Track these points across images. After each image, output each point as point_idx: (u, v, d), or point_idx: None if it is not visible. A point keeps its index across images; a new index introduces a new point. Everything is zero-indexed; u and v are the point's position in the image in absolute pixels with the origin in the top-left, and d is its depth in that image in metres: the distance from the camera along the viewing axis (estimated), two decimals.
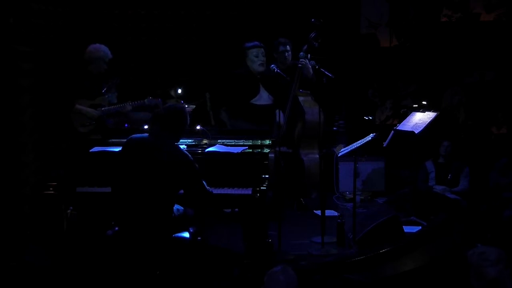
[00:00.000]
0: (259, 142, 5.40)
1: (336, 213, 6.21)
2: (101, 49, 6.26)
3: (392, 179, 7.24)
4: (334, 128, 7.59)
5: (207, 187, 4.55)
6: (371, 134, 5.55)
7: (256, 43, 6.49)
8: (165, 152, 4.40)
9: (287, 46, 6.62)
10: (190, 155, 4.47)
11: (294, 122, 6.52)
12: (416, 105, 7.30)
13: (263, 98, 6.52)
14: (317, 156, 6.06)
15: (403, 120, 6.74)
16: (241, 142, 5.41)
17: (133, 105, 6.25)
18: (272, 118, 6.26)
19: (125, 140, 5.17)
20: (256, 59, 6.42)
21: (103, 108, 6.20)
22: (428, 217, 6.21)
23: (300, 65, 6.35)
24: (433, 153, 6.93)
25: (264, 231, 5.21)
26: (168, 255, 4.42)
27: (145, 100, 6.21)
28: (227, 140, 5.44)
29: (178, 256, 4.48)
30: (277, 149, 5.37)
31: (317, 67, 5.83)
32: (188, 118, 4.53)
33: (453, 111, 8.04)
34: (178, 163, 4.41)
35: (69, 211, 5.73)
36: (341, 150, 6.02)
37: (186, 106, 6.04)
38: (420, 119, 6.50)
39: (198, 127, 5.45)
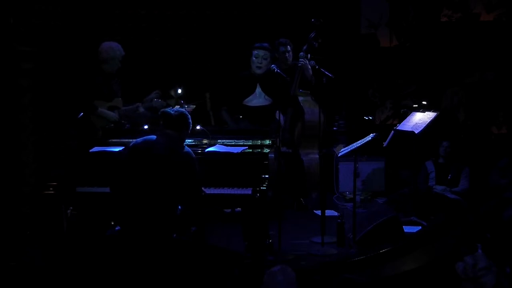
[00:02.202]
0: (259, 142, 5.41)
1: (336, 213, 6.22)
2: (116, 47, 6.14)
3: (392, 179, 7.24)
4: (334, 128, 7.59)
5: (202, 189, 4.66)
6: (371, 134, 5.55)
7: (264, 44, 6.41)
8: (178, 153, 4.53)
9: (288, 47, 6.62)
10: (194, 156, 4.60)
11: (294, 122, 6.51)
12: (416, 105, 7.29)
13: (259, 99, 6.48)
14: (317, 156, 6.06)
15: (403, 120, 6.74)
16: (241, 142, 5.42)
17: (144, 106, 6.22)
18: (268, 118, 6.25)
19: (125, 140, 5.21)
20: (255, 60, 6.37)
21: (120, 110, 6.17)
22: (428, 217, 6.21)
23: (300, 64, 6.35)
24: (433, 153, 6.92)
25: (264, 231, 5.22)
26: (170, 255, 4.44)
27: (153, 101, 6.21)
28: (227, 140, 5.44)
29: (178, 256, 4.49)
30: (277, 147, 5.37)
31: (317, 67, 5.83)
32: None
33: (453, 111, 8.03)
34: (185, 163, 4.52)
35: (69, 211, 5.73)
36: (341, 150, 6.02)
37: (186, 106, 6.07)
38: (420, 119, 6.50)
39: (198, 127, 5.45)
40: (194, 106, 6.37)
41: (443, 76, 8.03)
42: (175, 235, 4.53)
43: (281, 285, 3.59)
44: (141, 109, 6.23)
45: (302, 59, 6.34)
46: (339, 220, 5.60)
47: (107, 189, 4.85)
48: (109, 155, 5.19)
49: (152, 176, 4.45)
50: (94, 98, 6.02)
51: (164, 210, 4.47)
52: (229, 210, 6.02)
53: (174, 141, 4.57)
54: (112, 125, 6.04)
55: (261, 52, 6.34)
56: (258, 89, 6.42)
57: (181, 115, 4.63)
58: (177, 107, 6.28)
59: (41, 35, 7.00)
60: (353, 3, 8.13)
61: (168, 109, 4.73)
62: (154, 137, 4.59)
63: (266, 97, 6.40)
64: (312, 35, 6.34)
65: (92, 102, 6.00)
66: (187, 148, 4.64)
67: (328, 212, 5.92)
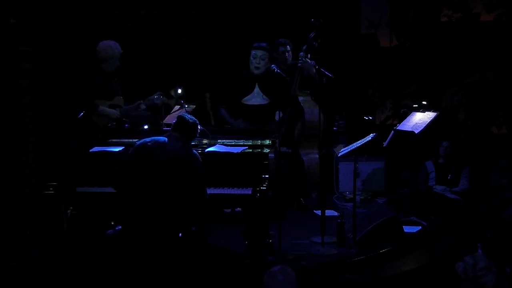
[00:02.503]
0: (259, 142, 5.41)
1: (336, 213, 6.21)
2: (113, 46, 6.14)
3: (392, 179, 7.24)
4: (334, 128, 7.59)
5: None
6: (371, 134, 5.55)
7: (262, 44, 6.44)
8: (186, 156, 4.58)
9: (287, 47, 6.62)
10: (201, 159, 4.64)
11: (293, 122, 6.52)
12: (416, 105, 7.29)
13: (257, 98, 6.50)
14: (317, 156, 6.06)
15: (403, 120, 6.74)
16: (241, 142, 5.43)
17: (146, 103, 6.24)
18: (265, 117, 6.28)
19: (125, 140, 5.21)
20: (253, 60, 6.40)
21: (122, 108, 6.17)
22: (428, 217, 6.21)
23: (299, 64, 6.35)
24: (433, 153, 6.92)
25: (264, 231, 5.22)
26: (170, 255, 4.44)
27: (154, 98, 6.23)
28: (227, 140, 5.45)
29: (179, 256, 4.49)
30: (277, 148, 5.37)
31: (317, 67, 5.83)
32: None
33: (453, 111, 8.03)
34: (192, 166, 4.56)
35: (69, 211, 5.73)
36: (341, 150, 6.02)
37: (186, 106, 6.08)
38: (420, 119, 6.50)
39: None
40: (194, 106, 6.39)
41: (443, 76, 8.03)
42: (179, 235, 4.55)
43: (281, 285, 3.59)
44: (143, 106, 6.24)
45: (302, 59, 6.34)
46: (339, 220, 5.60)
47: (107, 189, 4.86)
48: (109, 155, 5.19)
49: (158, 176, 4.47)
50: (94, 97, 6.03)
51: (168, 211, 4.48)
52: (229, 210, 6.02)
53: (183, 144, 4.61)
54: (115, 123, 6.05)
55: (259, 53, 6.37)
56: (257, 89, 6.45)
57: (195, 124, 4.73)
58: (177, 107, 6.30)
59: (41, 35, 7.00)
60: (353, 3, 8.13)
61: (184, 114, 4.80)
62: (163, 138, 4.62)
63: (264, 96, 6.43)
64: (312, 35, 6.34)
65: (92, 101, 6.00)
66: (194, 151, 4.69)
67: (328, 212, 5.92)
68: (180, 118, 4.72)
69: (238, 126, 6.34)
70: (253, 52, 6.41)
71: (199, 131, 4.77)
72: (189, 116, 4.79)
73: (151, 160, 4.50)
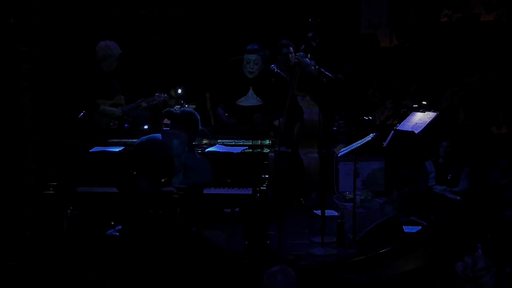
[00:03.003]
0: (259, 142, 5.42)
1: (336, 213, 6.22)
2: (112, 46, 6.19)
3: (392, 179, 7.23)
4: (334, 128, 7.59)
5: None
6: (371, 134, 5.56)
7: (255, 47, 6.44)
8: (175, 151, 4.57)
9: (290, 48, 6.62)
10: (200, 157, 4.66)
11: (292, 122, 6.52)
12: (416, 105, 7.29)
13: (251, 99, 6.51)
14: (317, 155, 6.07)
15: (403, 120, 6.74)
16: (241, 142, 5.43)
17: (147, 102, 6.25)
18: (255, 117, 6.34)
19: (125, 140, 5.20)
20: (247, 65, 6.42)
21: (123, 107, 6.18)
22: (428, 217, 6.21)
23: (296, 60, 6.34)
24: (433, 153, 6.92)
25: (264, 231, 5.22)
26: (170, 255, 4.44)
27: (155, 96, 6.23)
28: (227, 140, 5.46)
29: (179, 256, 4.49)
30: (277, 149, 5.38)
31: (316, 67, 5.83)
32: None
33: (453, 111, 8.03)
34: (188, 164, 4.52)
35: (69, 211, 5.74)
36: (341, 150, 6.03)
37: (186, 106, 6.08)
38: (420, 119, 6.50)
39: None
40: (194, 106, 6.39)
41: (443, 76, 8.02)
42: (176, 234, 4.55)
43: (281, 285, 3.59)
44: (144, 104, 6.25)
45: (300, 58, 6.34)
46: (339, 220, 5.61)
47: (107, 189, 4.87)
48: (109, 155, 5.20)
49: (154, 173, 4.46)
50: (95, 97, 6.04)
51: (167, 209, 4.48)
52: (229, 210, 6.02)
53: (179, 141, 4.57)
54: (117, 122, 6.07)
55: (252, 57, 6.38)
56: (251, 91, 6.47)
57: (186, 114, 4.66)
58: (177, 107, 6.31)
59: (41, 35, 7.00)
60: (353, 3, 8.12)
61: (172, 109, 4.76)
62: (158, 135, 4.61)
63: (258, 98, 6.45)
64: (310, 34, 6.34)
65: (93, 100, 6.01)
66: (194, 149, 4.68)
67: (328, 212, 5.92)
68: (167, 114, 4.66)
69: (232, 121, 6.37)
70: (246, 56, 6.42)
71: (195, 122, 4.67)
72: (181, 108, 4.76)
73: (147, 157, 4.49)
